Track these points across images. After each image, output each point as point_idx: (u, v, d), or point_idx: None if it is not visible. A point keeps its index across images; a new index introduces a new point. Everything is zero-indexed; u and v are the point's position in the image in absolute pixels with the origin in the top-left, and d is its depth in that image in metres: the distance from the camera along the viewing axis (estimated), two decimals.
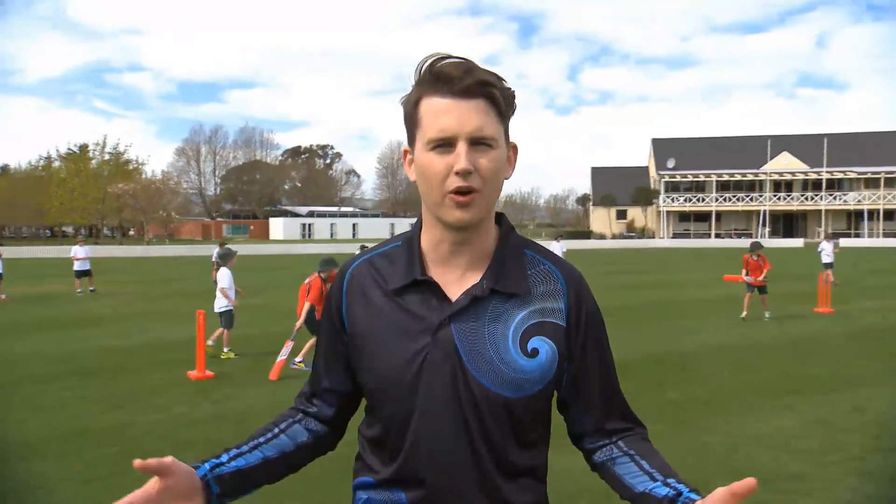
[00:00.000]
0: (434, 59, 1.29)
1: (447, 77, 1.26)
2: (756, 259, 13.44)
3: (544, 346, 1.33)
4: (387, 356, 1.34)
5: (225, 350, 9.80)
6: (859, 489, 4.68)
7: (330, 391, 1.48)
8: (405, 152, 1.39)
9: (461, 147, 1.25)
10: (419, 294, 1.35)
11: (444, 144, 1.26)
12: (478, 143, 1.26)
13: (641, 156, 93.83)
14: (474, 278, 1.35)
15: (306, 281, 9.10)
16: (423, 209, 1.38)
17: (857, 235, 63.79)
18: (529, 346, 1.32)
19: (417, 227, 1.43)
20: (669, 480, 1.28)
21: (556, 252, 1.63)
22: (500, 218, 1.43)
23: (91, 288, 19.76)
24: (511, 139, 1.37)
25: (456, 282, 1.36)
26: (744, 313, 13.35)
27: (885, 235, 60.50)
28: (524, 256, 1.40)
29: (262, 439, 1.41)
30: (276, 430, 1.44)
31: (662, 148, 72.76)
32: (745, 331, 11.86)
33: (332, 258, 9.26)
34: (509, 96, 1.31)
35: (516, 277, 1.36)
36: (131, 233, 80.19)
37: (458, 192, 1.26)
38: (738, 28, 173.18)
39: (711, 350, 10.03)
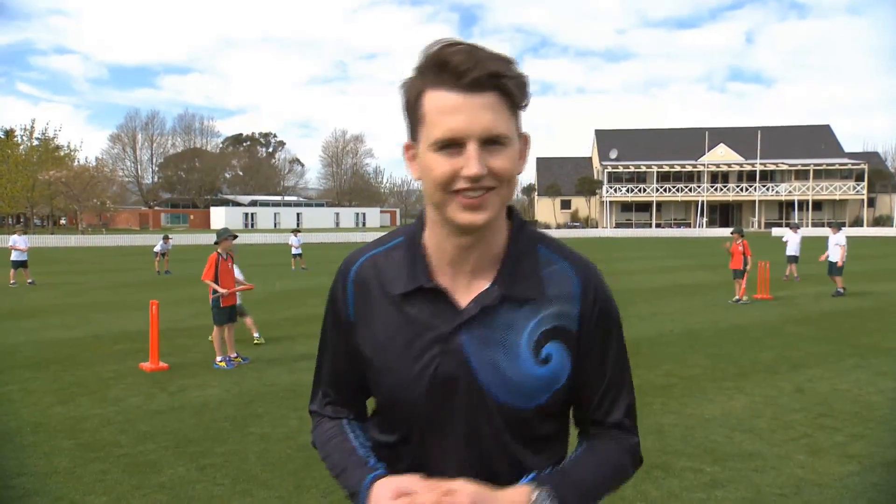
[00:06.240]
0: (439, 45, 1.14)
1: (454, 68, 1.11)
2: (739, 245, 14.14)
3: (557, 351, 1.25)
4: (395, 370, 1.26)
5: (256, 336, 9.68)
6: (809, 465, 4.94)
7: (355, 393, 1.42)
8: (406, 147, 1.24)
9: (471, 149, 1.12)
10: (426, 301, 1.25)
11: (452, 145, 1.13)
12: (489, 142, 1.14)
13: (585, 146, 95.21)
14: (485, 282, 1.25)
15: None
16: (428, 207, 1.26)
17: (787, 225, 66.40)
18: (543, 353, 1.24)
19: (420, 224, 1.31)
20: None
21: None
22: (510, 211, 1.29)
23: (29, 280, 18.99)
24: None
25: (465, 287, 1.25)
26: (736, 297, 14.09)
27: (814, 225, 63.03)
28: (537, 255, 1.29)
29: (355, 444, 1.37)
30: (352, 434, 1.39)
31: (605, 139, 74.09)
32: (693, 317, 12.25)
33: (226, 228, 9.02)
34: (522, 85, 1.16)
35: (529, 280, 1.25)
36: (63, 222, 77.21)
37: (468, 191, 1.14)
38: (672, 23, 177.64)
39: (663, 336, 10.33)
